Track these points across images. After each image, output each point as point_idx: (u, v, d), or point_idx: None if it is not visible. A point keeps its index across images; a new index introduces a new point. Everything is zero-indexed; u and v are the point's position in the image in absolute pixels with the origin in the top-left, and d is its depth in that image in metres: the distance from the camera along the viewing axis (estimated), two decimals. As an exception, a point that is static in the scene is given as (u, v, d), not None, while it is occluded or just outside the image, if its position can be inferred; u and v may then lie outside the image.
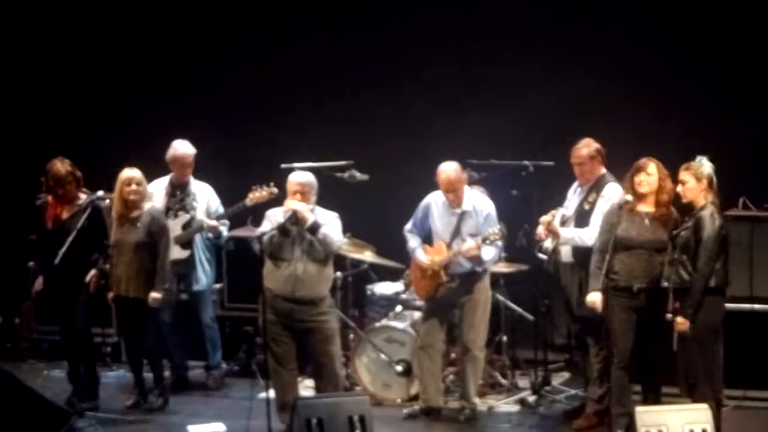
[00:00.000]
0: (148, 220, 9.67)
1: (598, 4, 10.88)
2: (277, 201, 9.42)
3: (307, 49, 11.68)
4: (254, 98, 11.78)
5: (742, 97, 10.61)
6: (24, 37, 12.26)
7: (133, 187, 9.65)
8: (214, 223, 10.36)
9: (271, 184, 10.10)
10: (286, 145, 10.83)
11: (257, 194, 10.16)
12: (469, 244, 9.34)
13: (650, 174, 8.78)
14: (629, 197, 8.78)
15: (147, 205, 9.75)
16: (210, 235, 10.42)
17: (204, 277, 10.51)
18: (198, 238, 10.41)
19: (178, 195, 10.42)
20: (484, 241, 9.32)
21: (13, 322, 11.58)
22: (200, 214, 10.39)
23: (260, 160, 10.86)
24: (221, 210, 10.45)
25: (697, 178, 8.54)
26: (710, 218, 8.46)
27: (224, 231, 10.51)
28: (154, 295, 9.64)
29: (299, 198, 9.10)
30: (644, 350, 8.83)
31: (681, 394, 8.71)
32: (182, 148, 10.42)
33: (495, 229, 9.35)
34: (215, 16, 11.90)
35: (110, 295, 9.78)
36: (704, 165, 8.57)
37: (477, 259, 9.41)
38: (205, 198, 10.46)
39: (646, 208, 8.81)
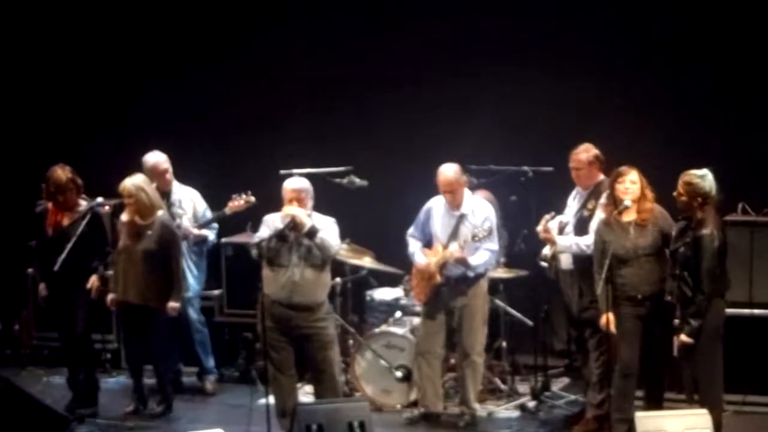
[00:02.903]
0: (159, 230, 9.68)
1: (597, 9, 10.87)
2: (274, 206, 9.42)
3: (305, 54, 11.68)
4: (253, 104, 11.77)
5: (742, 102, 10.60)
6: (25, 44, 12.26)
7: (126, 200, 9.68)
8: (197, 232, 10.37)
9: (249, 192, 10.17)
10: (284, 151, 10.84)
11: (236, 203, 10.26)
12: (453, 247, 9.38)
13: (634, 182, 8.78)
14: (628, 202, 8.77)
15: (159, 213, 9.74)
16: (195, 240, 10.44)
17: (193, 281, 10.52)
18: (183, 245, 10.41)
19: (164, 203, 10.42)
20: (473, 238, 9.35)
21: (13, 328, 11.57)
22: (186, 221, 10.40)
23: (259, 166, 10.87)
24: (209, 213, 10.49)
25: (690, 196, 8.51)
26: (709, 239, 8.43)
27: (211, 236, 10.53)
28: (173, 304, 9.68)
29: (296, 205, 9.11)
30: (649, 357, 8.83)
31: (687, 400, 8.71)
32: (152, 158, 10.40)
33: (484, 226, 9.38)
34: (214, 22, 11.89)
35: (110, 296, 9.79)
36: (705, 180, 8.51)
37: (464, 262, 9.43)
38: (190, 203, 10.48)
39: (629, 217, 8.80)
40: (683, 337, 8.52)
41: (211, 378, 10.69)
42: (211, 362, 10.71)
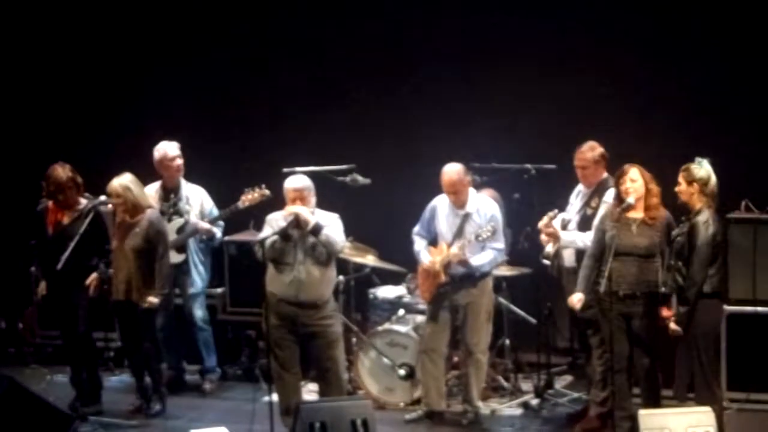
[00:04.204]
0: (146, 226, 9.68)
1: (599, 6, 10.87)
2: (276, 205, 9.41)
3: (308, 52, 11.68)
4: (256, 102, 11.78)
5: (746, 99, 10.60)
6: (25, 43, 12.26)
7: (115, 200, 9.66)
8: (207, 226, 10.39)
9: (263, 186, 10.16)
10: (287, 149, 10.83)
11: (250, 196, 10.25)
12: (453, 249, 9.39)
13: (634, 180, 8.77)
14: (631, 200, 8.76)
15: (147, 211, 9.75)
16: (204, 237, 10.44)
17: (199, 279, 10.53)
18: (191, 242, 10.42)
19: (172, 199, 10.40)
20: (476, 238, 9.35)
21: (17, 326, 11.59)
22: (194, 217, 10.41)
23: (263, 164, 10.84)
24: (215, 211, 10.48)
25: (688, 182, 8.55)
26: (704, 225, 8.45)
27: (218, 233, 10.53)
28: (151, 299, 9.66)
29: (299, 204, 9.10)
30: (639, 355, 8.82)
31: (675, 397, 8.73)
32: (162, 147, 10.40)
33: (488, 226, 9.38)
34: (215, 20, 11.89)
35: (112, 299, 9.82)
36: (701, 168, 8.55)
37: (465, 264, 9.43)
38: (198, 200, 10.47)
39: (635, 214, 8.79)
40: (672, 325, 8.55)
41: (211, 377, 10.68)
42: (212, 361, 10.71)
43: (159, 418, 9.83)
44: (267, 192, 10.18)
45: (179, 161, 10.41)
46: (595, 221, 9.20)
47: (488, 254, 9.50)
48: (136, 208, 9.70)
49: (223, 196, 10.56)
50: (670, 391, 8.97)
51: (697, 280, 8.46)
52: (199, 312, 10.58)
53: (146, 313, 9.69)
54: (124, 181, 9.69)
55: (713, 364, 8.66)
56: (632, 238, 8.74)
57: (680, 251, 8.53)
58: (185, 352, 10.70)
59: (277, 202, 9.41)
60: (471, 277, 9.54)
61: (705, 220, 8.48)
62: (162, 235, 9.78)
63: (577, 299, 8.88)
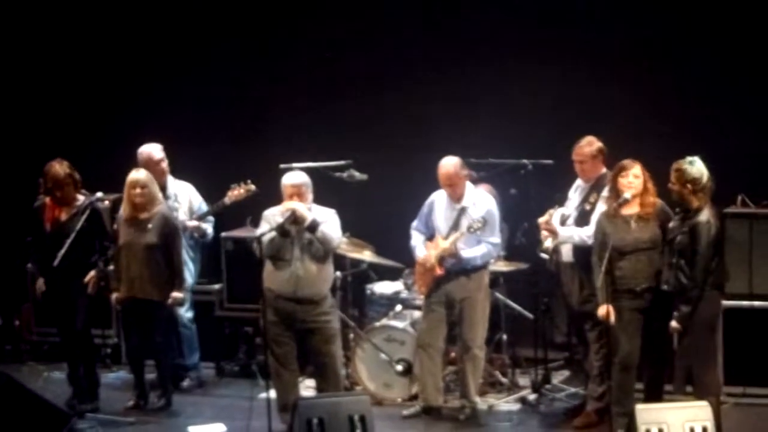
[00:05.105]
0: (161, 222, 9.68)
1: (600, 6, 10.86)
2: (274, 201, 9.42)
3: (306, 49, 11.68)
4: (254, 99, 11.77)
5: (742, 93, 10.59)
6: (23, 39, 12.25)
7: (138, 190, 9.64)
8: (195, 224, 10.37)
9: (248, 181, 10.16)
10: (284, 145, 10.84)
11: (236, 192, 10.27)
12: (443, 244, 9.40)
13: (637, 177, 8.78)
14: (628, 195, 8.77)
15: (159, 206, 9.75)
16: (195, 234, 10.43)
17: (189, 277, 10.48)
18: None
19: None
20: (468, 230, 9.37)
21: (13, 323, 11.57)
22: (182, 214, 10.38)
23: (259, 160, 10.84)
24: (204, 207, 10.48)
25: (680, 183, 8.53)
26: (706, 226, 8.45)
27: (209, 228, 10.51)
28: (176, 295, 9.70)
29: (296, 200, 9.11)
30: (649, 350, 8.82)
31: (675, 391, 8.74)
32: (147, 149, 10.36)
33: (478, 217, 9.38)
34: (215, 16, 11.88)
35: (114, 296, 9.80)
36: (693, 166, 8.53)
37: (454, 255, 9.43)
38: (186, 197, 10.46)
39: (631, 210, 8.80)
40: (673, 323, 8.57)
41: (191, 375, 10.56)
42: (194, 359, 10.60)
43: (157, 415, 9.83)
44: (252, 187, 10.23)
45: (164, 164, 10.40)
46: (593, 218, 9.20)
47: (481, 248, 9.51)
48: (154, 199, 9.72)
49: (220, 194, 10.53)
50: (670, 386, 8.98)
51: (699, 281, 8.47)
52: (185, 308, 10.53)
53: (159, 308, 9.70)
54: (145, 172, 9.69)
55: (712, 355, 8.65)
56: (634, 235, 8.74)
57: (682, 251, 8.52)
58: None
59: (274, 198, 9.41)
60: (467, 272, 9.55)
61: (706, 220, 8.47)
62: (177, 229, 9.83)
63: (604, 312, 8.75)
